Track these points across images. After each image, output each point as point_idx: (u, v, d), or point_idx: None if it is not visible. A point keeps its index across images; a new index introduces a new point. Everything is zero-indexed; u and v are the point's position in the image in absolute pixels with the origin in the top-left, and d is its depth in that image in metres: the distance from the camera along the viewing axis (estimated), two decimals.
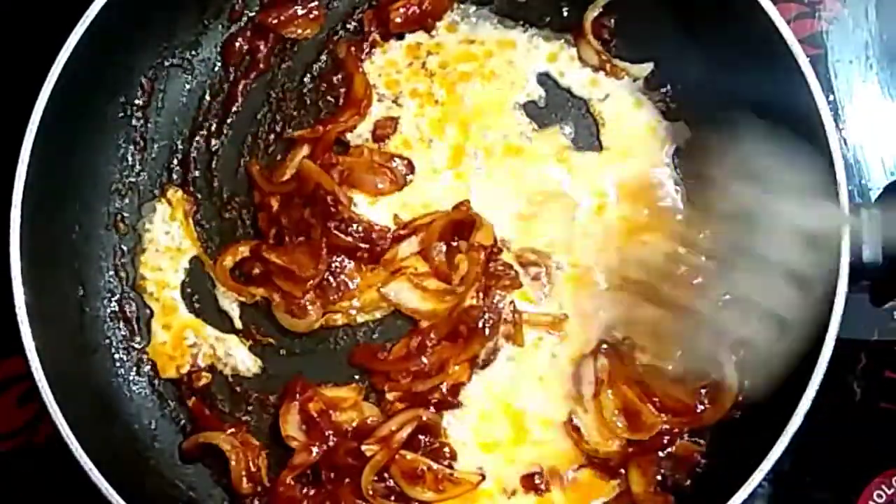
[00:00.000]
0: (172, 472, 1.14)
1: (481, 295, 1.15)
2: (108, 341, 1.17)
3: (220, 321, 1.18)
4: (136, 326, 1.18)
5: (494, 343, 1.15)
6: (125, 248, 1.19)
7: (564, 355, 1.15)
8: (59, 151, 1.11)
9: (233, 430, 1.13)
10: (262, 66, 1.24)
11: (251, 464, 1.12)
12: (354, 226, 1.15)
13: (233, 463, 1.11)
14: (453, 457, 1.12)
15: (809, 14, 1.34)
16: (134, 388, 1.16)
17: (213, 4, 1.23)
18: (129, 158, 1.21)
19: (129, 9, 1.12)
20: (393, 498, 1.10)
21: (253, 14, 1.24)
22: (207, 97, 1.23)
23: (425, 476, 1.10)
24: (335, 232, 1.14)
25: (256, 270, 1.17)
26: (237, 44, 1.24)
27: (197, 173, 1.22)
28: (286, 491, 1.10)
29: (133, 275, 1.19)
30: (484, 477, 1.12)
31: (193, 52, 1.23)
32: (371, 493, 1.08)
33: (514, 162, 1.20)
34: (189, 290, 1.19)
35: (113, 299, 1.18)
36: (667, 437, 1.10)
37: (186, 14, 1.22)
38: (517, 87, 1.22)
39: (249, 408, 1.16)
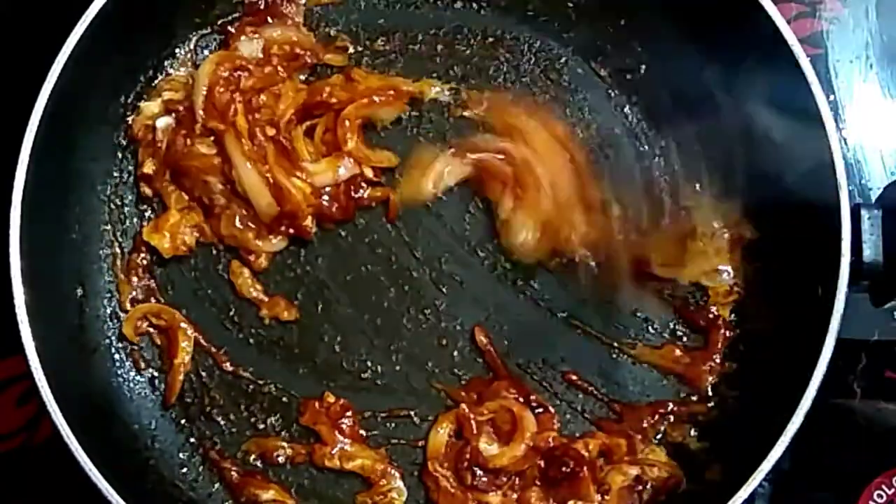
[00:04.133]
0: (172, 472, 1.14)
1: None
2: (108, 341, 1.16)
3: None
4: None
5: None
6: (126, 247, 1.19)
7: None
8: (59, 151, 1.11)
9: None
10: None
11: None
12: None
13: None
14: None
15: (809, 14, 1.34)
16: (134, 388, 1.16)
17: (215, 4, 1.23)
18: (130, 158, 1.21)
19: (129, 9, 1.12)
20: None
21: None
22: None
23: None
24: None
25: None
26: None
27: None
28: None
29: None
30: None
31: (194, 52, 1.23)
32: None
33: None
34: None
35: (113, 299, 1.18)
36: None
37: (187, 13, 1.22)
38: None
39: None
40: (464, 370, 1.16)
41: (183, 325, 1.16)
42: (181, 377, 1.15)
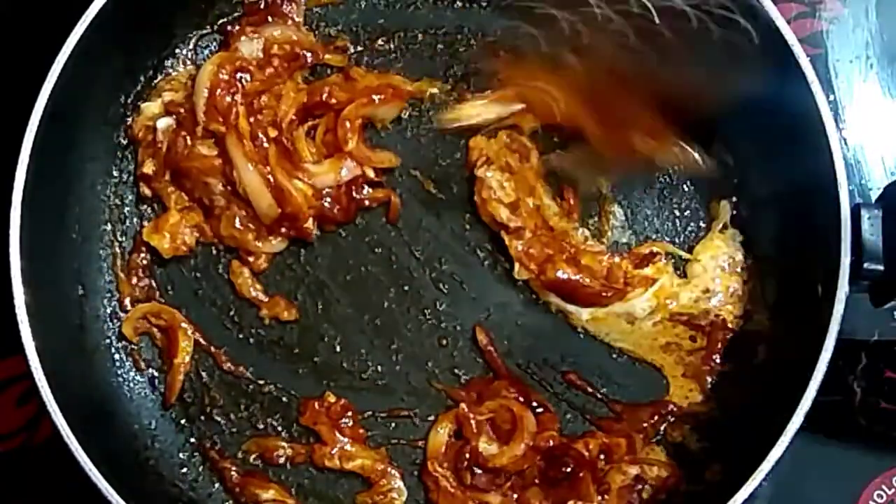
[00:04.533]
0: (172, 472, 1.14)
1: None
2: (108, 341, 1.17)
3: None
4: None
5: None
6: (126, 247, 1.19)
7: None
8: (59, 151, 1.11)
9: None
10: None
11: None
12: None
13: None
14: None
15: (809, 14, 1.34)
16: (134, 388, 1.16)
17: (215, 4, 1.23)
18: (130, 158, 1.21)
19: (129, 9, 1.12)
20: None
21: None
22: None
23: None
24: None
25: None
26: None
27: None
28: None
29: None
30: None
31: (194, 52, 1.23)
32: None
33: None
34: None
35: (113, 299, 1.18)
36: None
37: (186, 13, 1.22)
38: None
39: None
40: (464, 370, 1.16)
41: (183, 324, 1.16)
42: (181, 377, 1.15)
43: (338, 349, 1.17)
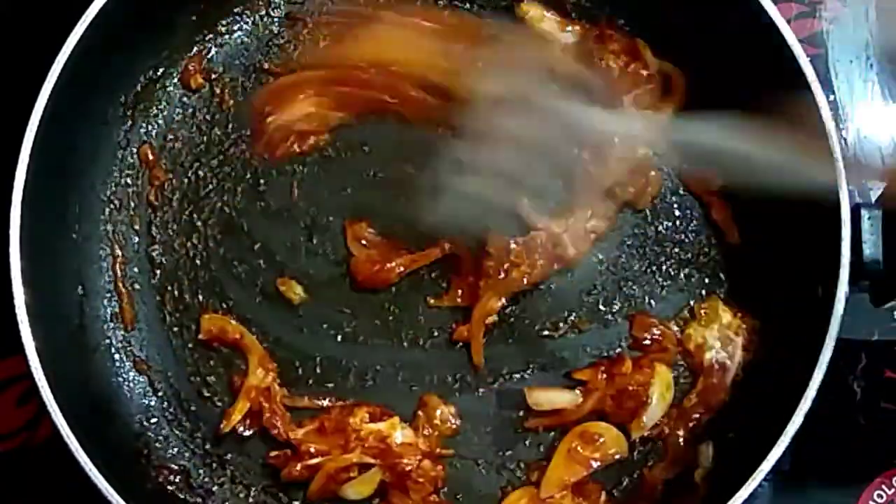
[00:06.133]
0: (172, 472, 1.14)
1: None
2: (108, 341, 1.16)
3: None
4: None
5: None
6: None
7: None
8: (59, 151, 1.11)
9: None
10: None
11: None
12: None
13: None
14: None
15: (809, 14, 1.34)
16: (134, 388, 1.16)
17: (215, 4, 1.23)
18: (130, 158, 1.21)
19: (129, 9, 1.12)
20: None
21: None
22: None
23: None
24: None
25: None
26: None
27: (200, 172, 1.21)
28: None
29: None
30: None
31: (194, 52, 1.24)
32: None
33: None
34: None
35: (113, 299, 1.18)
36: None
37: (186, 13, 1.22)
38: None
39: None
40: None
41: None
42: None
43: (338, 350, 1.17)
